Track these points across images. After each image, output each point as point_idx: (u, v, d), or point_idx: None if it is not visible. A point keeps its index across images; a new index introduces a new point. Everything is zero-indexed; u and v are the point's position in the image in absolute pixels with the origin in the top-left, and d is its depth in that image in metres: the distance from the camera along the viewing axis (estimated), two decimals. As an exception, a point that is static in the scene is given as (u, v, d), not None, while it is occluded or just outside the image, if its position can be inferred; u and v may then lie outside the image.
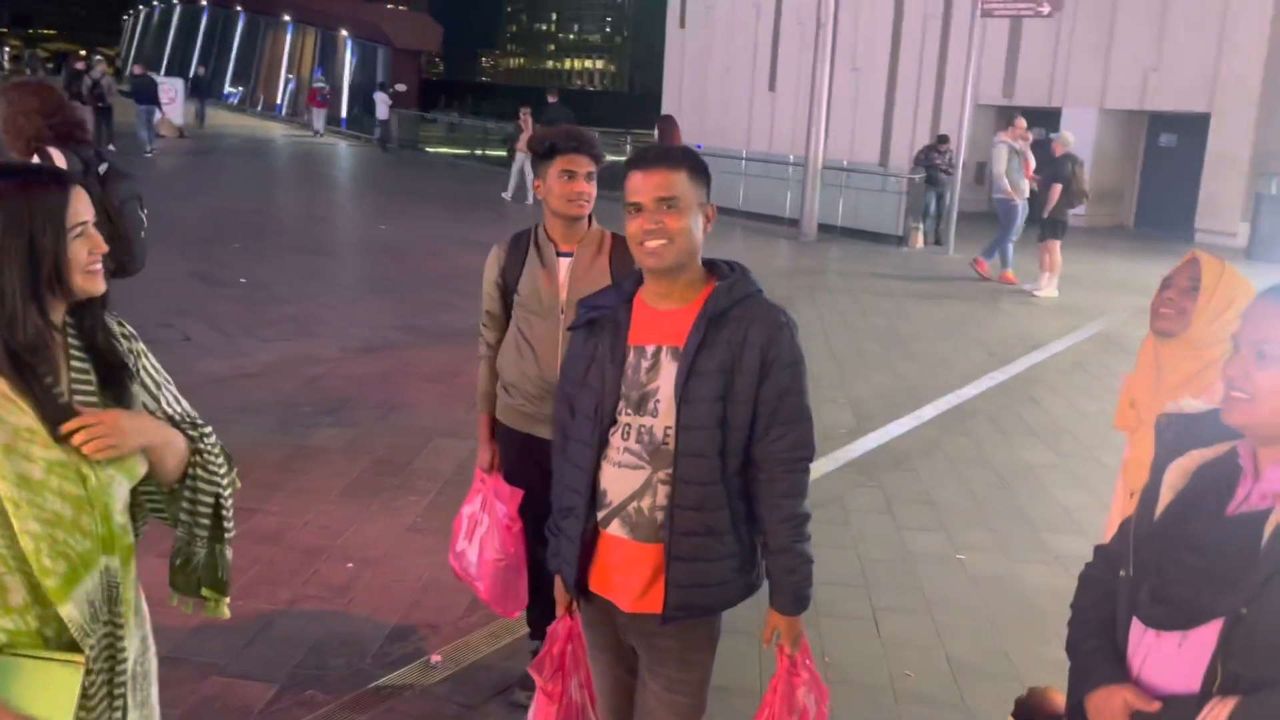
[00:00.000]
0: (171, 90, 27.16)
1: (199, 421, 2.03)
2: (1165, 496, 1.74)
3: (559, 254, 3.26)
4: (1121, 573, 1.76)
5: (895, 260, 14.91)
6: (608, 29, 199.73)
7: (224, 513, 2.07)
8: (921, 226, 16.24)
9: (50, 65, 44.24)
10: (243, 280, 10.64)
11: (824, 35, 16.29)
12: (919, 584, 4.61)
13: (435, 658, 3.77)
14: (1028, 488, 5.95)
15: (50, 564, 1.73)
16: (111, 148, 20.82)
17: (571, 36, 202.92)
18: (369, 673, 3.68)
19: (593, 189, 3.22)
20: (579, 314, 2.47)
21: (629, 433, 2.32)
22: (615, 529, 2.35)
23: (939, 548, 5.02)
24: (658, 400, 2.30)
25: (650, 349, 2.33)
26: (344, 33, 35.21)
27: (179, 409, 2.05)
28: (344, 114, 35.01)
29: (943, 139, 16.21)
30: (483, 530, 3.32)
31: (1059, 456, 6.48)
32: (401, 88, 30.21)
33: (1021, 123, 12.93)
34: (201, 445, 2.00)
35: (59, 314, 1.81)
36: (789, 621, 2.41)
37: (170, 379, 2.07)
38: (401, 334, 8.82)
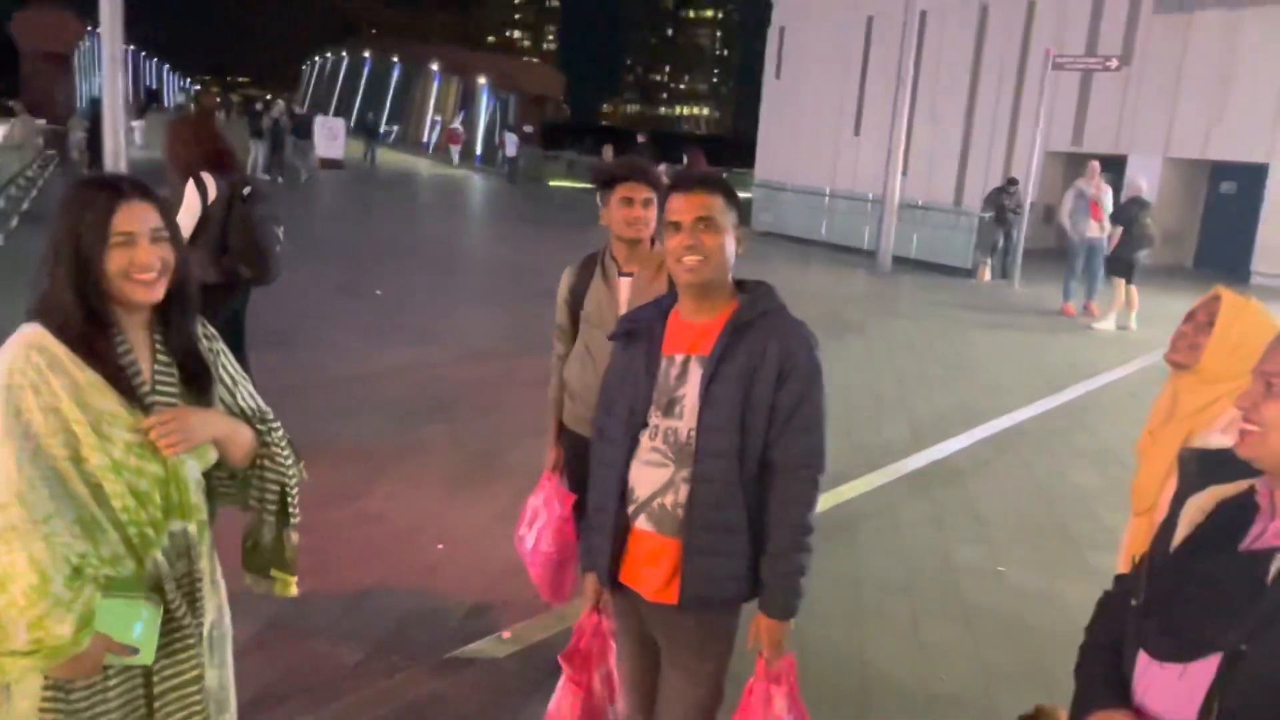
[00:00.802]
0: (335, 129, 27.94)
1: (269, 417, 2.05)
2: (1182, 530, 1.57)
3: (621, 274, 3.15)
4: (1133, 601, 1.60)
5: (963, 291, 14.44)
6: (715, 79, 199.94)
7: (290, 499, 2.06)
8: (989, 261, 15.73)
9: (240, 107, 46.11)
10: (378, 292, 10.83)
11: (903, 90, 15.98)
12: (960, 594, 4.37)
13: (505, 634, 3.71)
14: (1074, 507, 5.62)
15: (137, 523, 1.79)
16: (278, 176, 21.67)
17: (682, 86, 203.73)
18: (446, 643, 3.63)
19: (651, 214, 3.09)
20: (619, 326, 2.43)
21: (656, 433, 2.27)
22: (643, 523, 2.29)
23: (982, 560, 4.76)
24: (683, 404, 2.25)
25: (680, 357, 2.28)
26: (481, 80, 35.89)
27: (253, 404, 2.05)
28: (478, 150, 35.68)
29: (1012, 181, 15.67)
30: (540, 523, 3.25)
31: (1106, 479, 6.12)
32: (529, 129, 30.63)
33: (1094, 167, 12.40)
34: (269, 439, 2.02)
35: (121, 314, 1.82)
36: (771, 625, 2.25)
37: (247, 377, 2.06)
38: (508, 343, 8.87)
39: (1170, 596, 1.52)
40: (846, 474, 5.71)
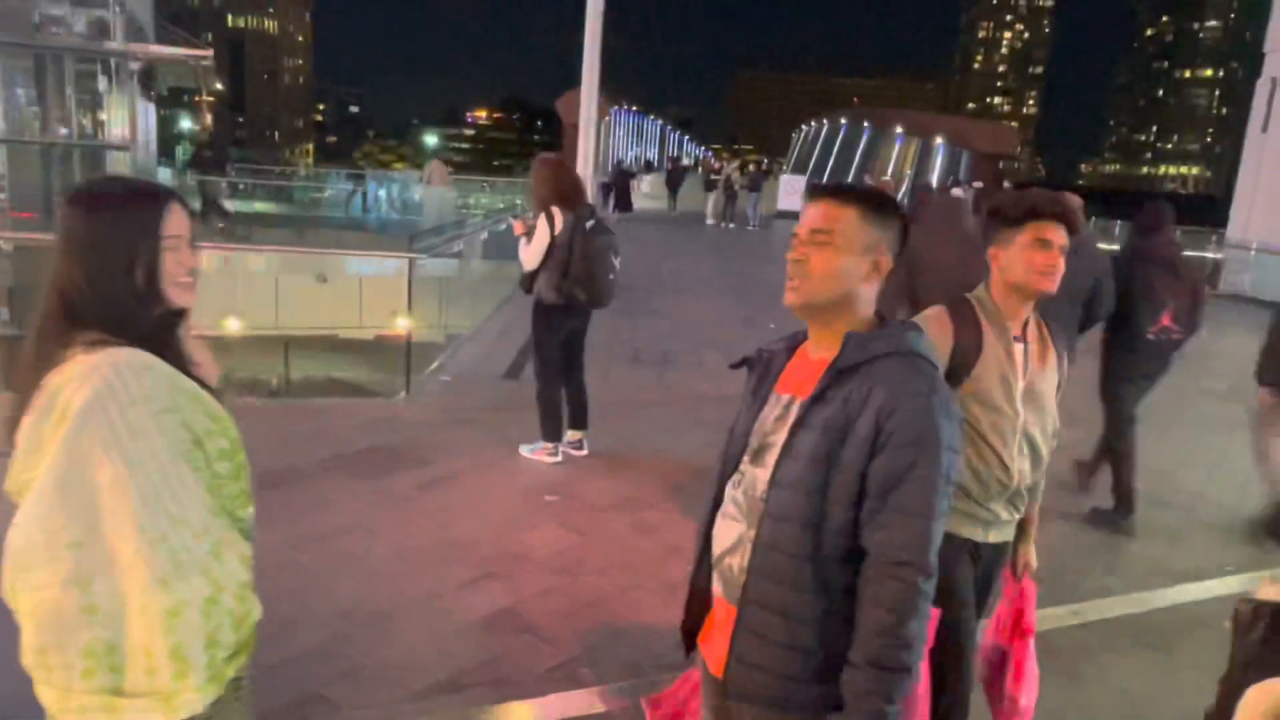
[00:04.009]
0: (795, 185, 28.54)
1: None
2: None
3: (1014, 338, 2.31)
4: None
5: None
6: (1209, 138, 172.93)
7: None
8: None
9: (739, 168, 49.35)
10: (772, 325, 10.68)
11: None
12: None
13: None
14: None
15: (237, 513, 1.62)
16: (729, 224, 22.70)
17: (1169, 145, 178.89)
18: (639, 667, 3.28)
19: (1063, 264, 2.28)
20: (754, 353, 1.89)
21: (739, 481, 1.75)
22: (715, 583, 1.77)
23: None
24: (772, 452, 1.68)
25: (786, 398, 1.73)
26: (938, 140, 34.47)
27: None
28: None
29: None
30: None
31: None
32: (978, 184, 28.69)
33: None
34: None
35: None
36: None
37: None
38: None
39: None
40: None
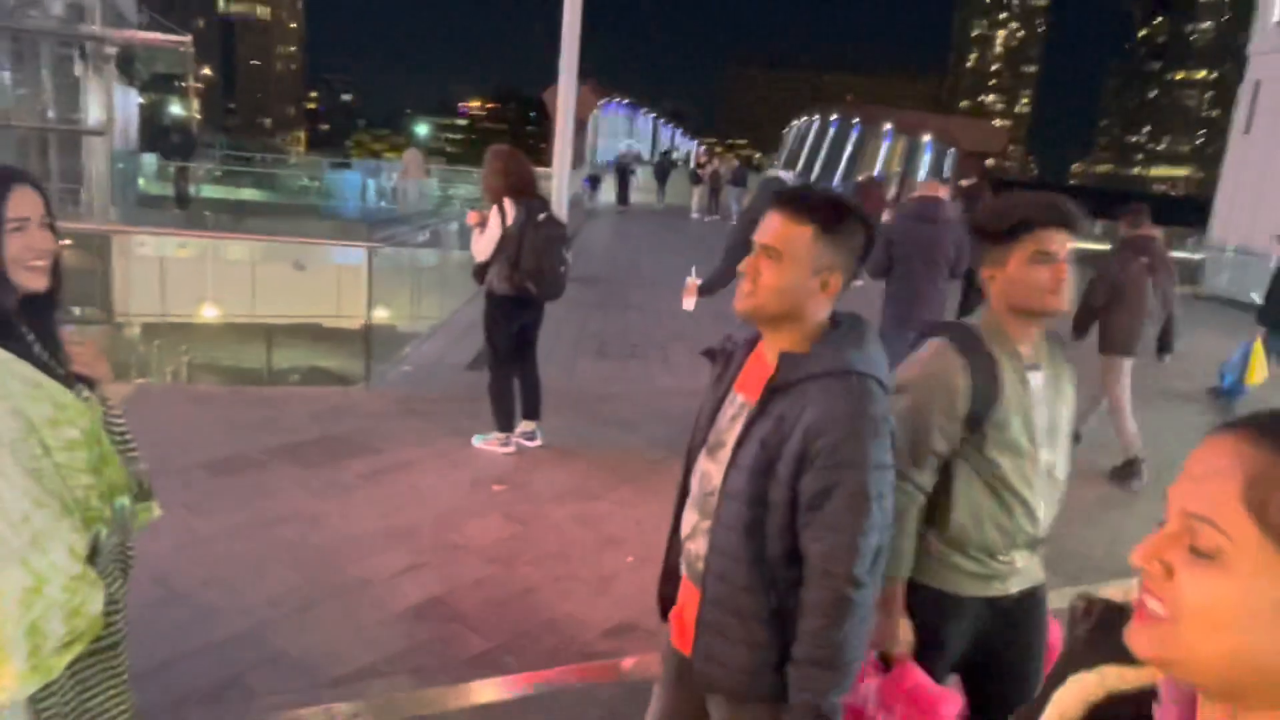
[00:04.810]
0: (784, 180, 28.64)
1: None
2: None
3: (1028, 367, 1.99)
4: None
5: None
6: (1200, 140, 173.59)
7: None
8: None
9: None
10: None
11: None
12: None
13: (626, 663, 3.31)
14: None
15: (90, 502, 1.64)
16: (716, 217, 22.74)
17: (1160, 147, 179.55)
18: (562, 655, 3.31)
19: (1070, 274, 1.93)
20: (719, 342, 1.91)
21: (697, 472, 1.83)
22: (682, 563, 1.87)
23: None
24: (724, 452, 1.74)
25: (740, 399, 1.78)
26: (925, 138, 34.56)
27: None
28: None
29: None
30: None
31: None
32: (964, 182, 28.84)
33: None
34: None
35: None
36: None
37: None
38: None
39: None
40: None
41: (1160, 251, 5.66)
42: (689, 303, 5.17)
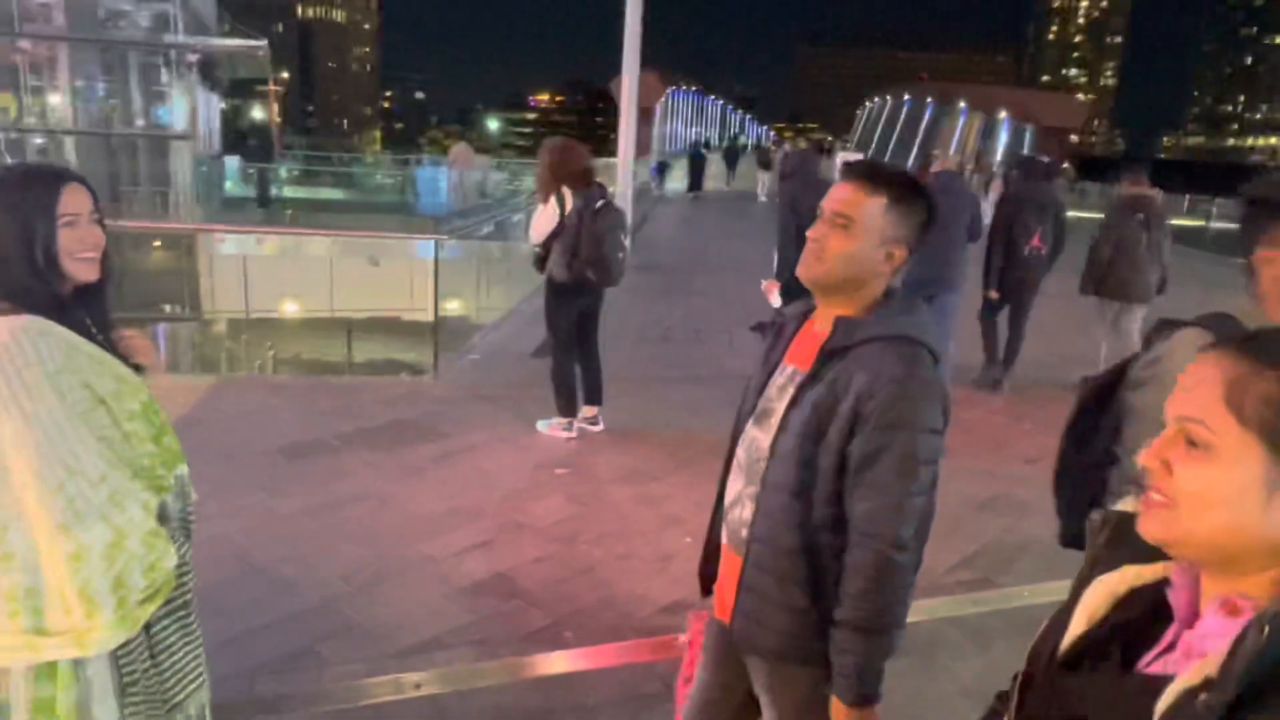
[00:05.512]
0: (849, 158, 28.18)
1: None
2: (1076, 625, 0.94)
3: None
4: (1006, 718, 1.03)
5: None
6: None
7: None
8: None
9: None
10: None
11: None
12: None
13: (681, 638, 3.36)
14: None
15: (154, 471, 1.76)
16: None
17: (1258, 116, 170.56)
18: (621, 631, 3.38)
19: None
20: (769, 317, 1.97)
21: (745, 440, 1.84)
22: (723, 533, 1.90)
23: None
24: (773, 419, 1.77)
25: (790, 369, 1.80)
26: (1002, 115, 33.59)
27: None
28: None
29: None
30: None
31: None
32: (1044, 158, 27.92)
33: None
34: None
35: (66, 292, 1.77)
36: (837, 709, 1.68)
37: None
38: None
39: None
40: None
41: (1156, 209, 6.42)
42: (775, 299, 5.38)
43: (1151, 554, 0.90)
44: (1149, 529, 0.86)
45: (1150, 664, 0.87)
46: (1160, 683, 0.81)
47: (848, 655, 1.65)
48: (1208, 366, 0.83)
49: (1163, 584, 0.90)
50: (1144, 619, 0.90)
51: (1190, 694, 0.76)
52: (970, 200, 6.00)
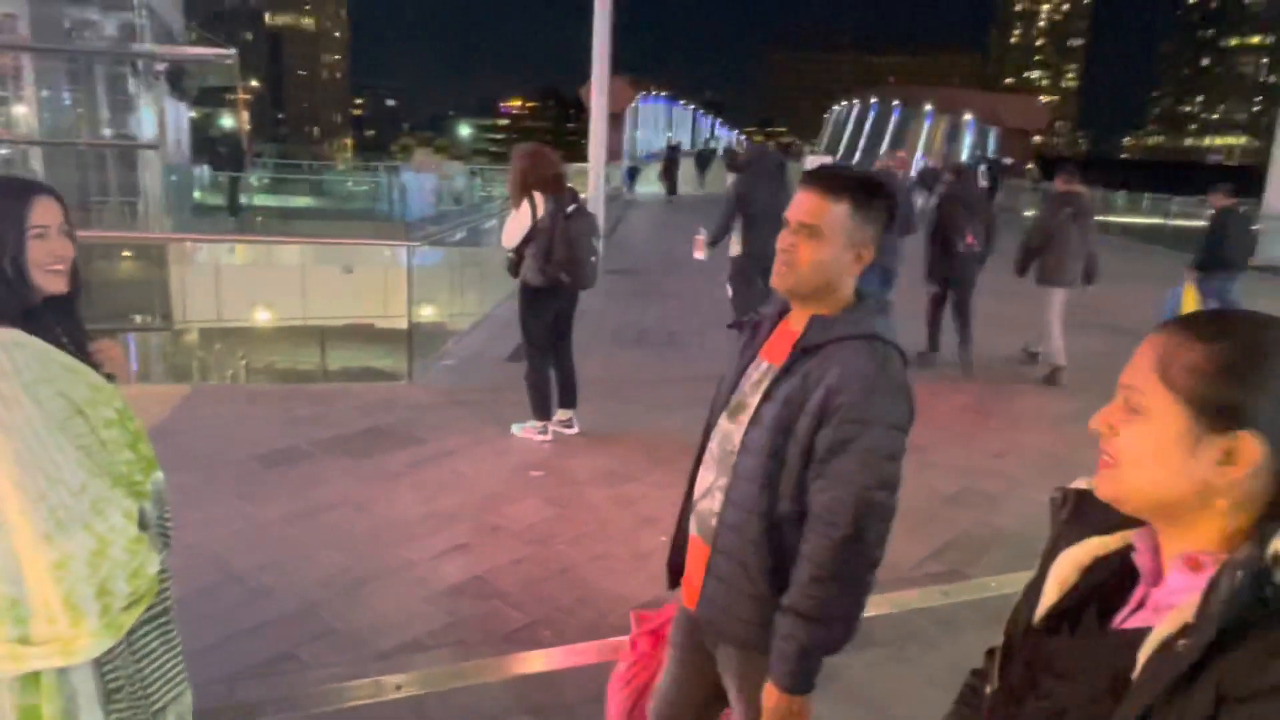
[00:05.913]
0: (816, 160, 28.46)
1: None
2: (1049, 595, 1.03)
3: None
4: (987, 688, 1.10)
5: None
6: (1256, 108, 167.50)
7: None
8: None
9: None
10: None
11: None
12: None
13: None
14: None
15: (133, 478, 1.74)
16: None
17: (1215, 116, 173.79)
18: (599, 630, 3.42)
19: None
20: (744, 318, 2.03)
21: (717, 433, 1.89)
22: (692, 523, 1.92)
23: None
24: (746, 414, 1.82)
25: (765, 365, 1.85)
26: (967, 117, 34.02)
27: None
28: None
29: None
30: None
31: None
32: (1007, 161, 28.26)
33: None
34: None
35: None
36: (769, 693, 1.72)
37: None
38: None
39: (1024, 688, 1.02)
40: None
41: (1084, 204, 7.20)
42: (700, 254, 6.07)
43: (1111, 527, 0.99)
44: (1101, 488, 0.96)
45: (1125, 621, 0.95)
46: (1138, 635, 0.89)
47: (790, 641, 1.68)
48: (1147, 343, 0.95)
49: (1126, 551, 0.99)
50: (1113, 583, 0.98)
51: (1170, 641, 0.84)
52: (903, 198, 6.61)
